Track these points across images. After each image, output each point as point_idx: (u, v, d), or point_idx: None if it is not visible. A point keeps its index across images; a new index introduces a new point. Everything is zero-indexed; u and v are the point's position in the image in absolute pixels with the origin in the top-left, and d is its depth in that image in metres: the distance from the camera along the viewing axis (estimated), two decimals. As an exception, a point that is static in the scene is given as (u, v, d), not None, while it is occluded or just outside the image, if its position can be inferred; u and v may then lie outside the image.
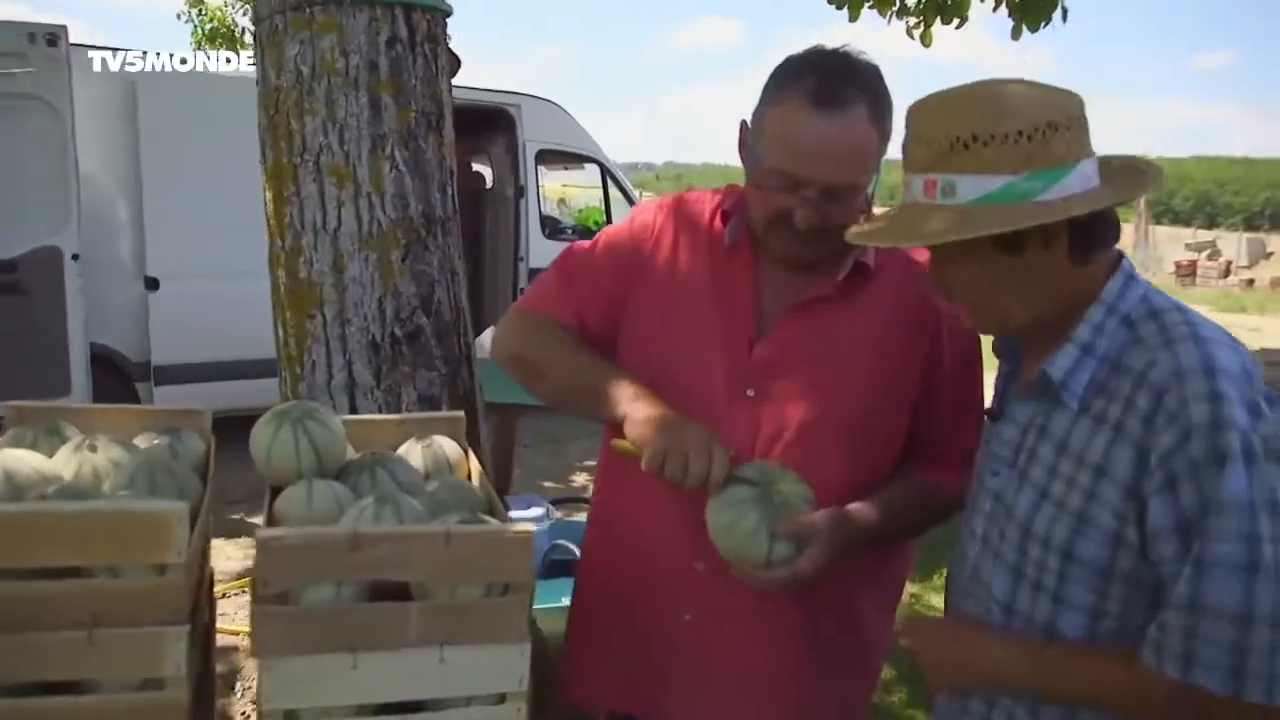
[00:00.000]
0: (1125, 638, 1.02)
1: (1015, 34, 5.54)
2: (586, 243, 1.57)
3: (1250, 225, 29.92)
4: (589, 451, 6.03)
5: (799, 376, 1.36)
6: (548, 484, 5.60)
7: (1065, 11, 5.34)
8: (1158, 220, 26.61)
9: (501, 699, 1.26)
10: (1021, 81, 1.03)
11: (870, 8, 5.61)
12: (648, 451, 1.29)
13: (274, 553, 1.13)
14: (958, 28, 5.50)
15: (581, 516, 4.25)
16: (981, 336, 1.45)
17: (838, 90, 1.25)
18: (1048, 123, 0.99)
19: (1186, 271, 22.84)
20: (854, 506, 1.32)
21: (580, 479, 5.88)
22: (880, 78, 1.30)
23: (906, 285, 1.39)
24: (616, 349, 1.49)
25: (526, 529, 1.24)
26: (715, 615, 1.41)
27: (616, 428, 1.39)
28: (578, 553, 2.96)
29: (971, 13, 5.63)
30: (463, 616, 1.22)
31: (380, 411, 2.31)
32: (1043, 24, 5.46)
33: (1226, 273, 23.52)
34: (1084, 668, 1.04)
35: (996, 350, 1.24)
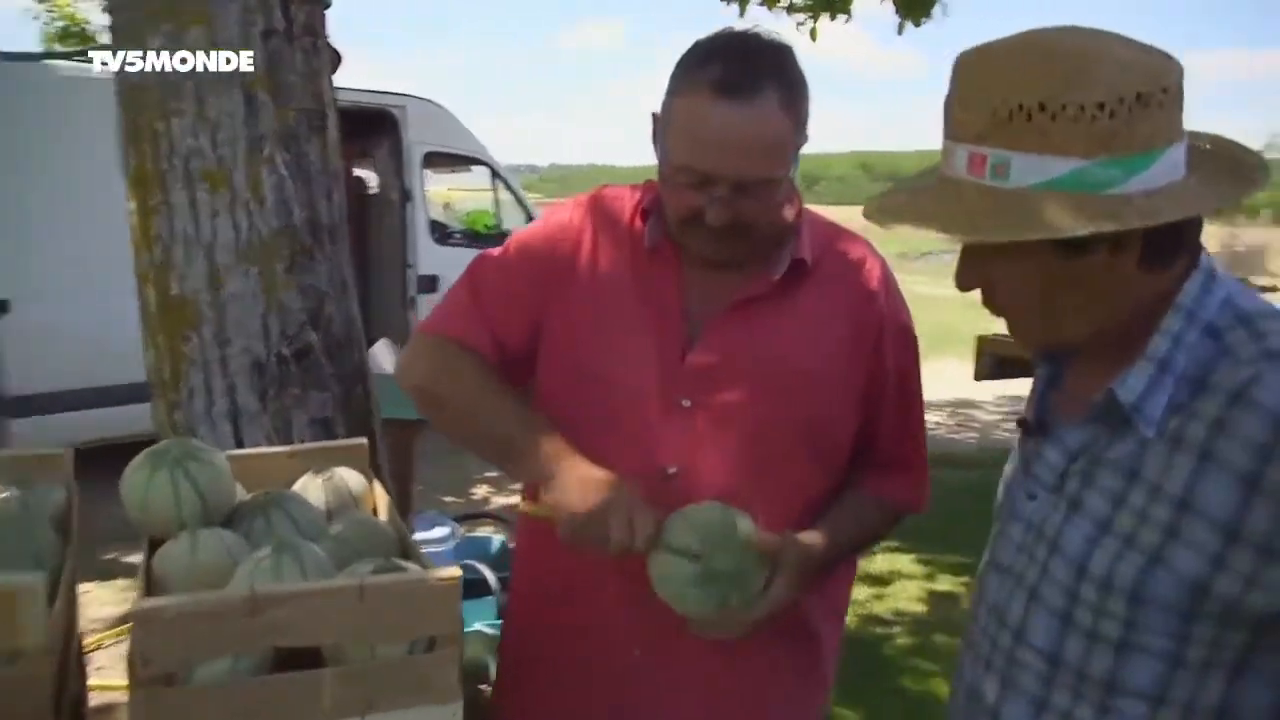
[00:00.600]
0: (1201, 691, 0.87)
1: (900, 29, 5.64)
2: (497, 251, 1.43)
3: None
4: (488, 464, 5.85)
5: (741, 382, 1.26)
6: (448, 498, 5.40)
7: (945, 6, 5.46)
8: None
9: (432, 767, 1.11)
10: (1118, 38, 0.83)
11: (760, 4, 5.62)
12: (563, 525, 1.17)
13: (156, 627, 0.96)
14: (846, 22, 5.56)
15: (486, 531, 4.11)
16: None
17: (745, 77, 1.15)
18: (1137, 94, 0.79)
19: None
20: (811, 540, 1.23)
21: (481, 491, 5.69)
22: (793, 59, 1.20)
23: (845, 279, 1.31)
24: (537, 361, 1.36)
25: (452, 574, 1.10)
26: (668, 647, 1.30)
27: (531, 486, 1.27)
28: (487, 573, 2.81)
29: (855, 8, 5.71)
30: (384, 679, 1.07)
31: (269, 439, 2.11)
32: (924, 18, 5.57)
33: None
34: None
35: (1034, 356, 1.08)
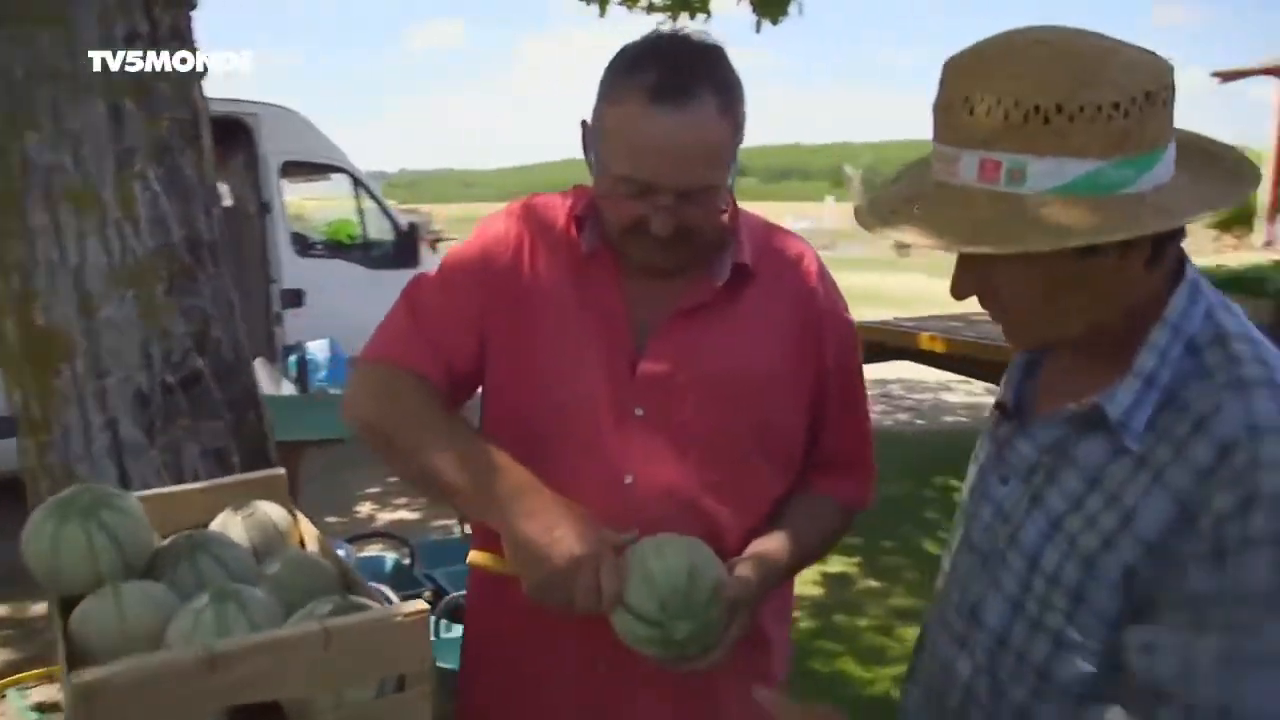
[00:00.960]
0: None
1: (757, 27, 5.75)
2: (433, 271, 1.36)
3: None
4: (370, 479, 5.64)
5: (693, 389, 1.24)
6: (331, 519, 5.17)
7: (800, 5, 5.60)
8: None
9: (407, 813, 1.05)
10: (1110, 38, 0.81)
11: (619, 3, 5.62)
12: (527, 585, 1.11)
13: (104, 701, 0.86)
14: (705, 21, 5.62)
15: (376, 550, 3.96)
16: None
17: (681, 83, 1.12)
18: (1146, 93, 0.78)
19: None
20: (769, 549, 1.22)
21: (365, 509, 5.48)
22: (726, 61, 1.18)
23: (784, 278, 1.30)
24: (485, 376, 1.31)
25: (419, 608, 1.03)
26: (632, 657, 1.27)
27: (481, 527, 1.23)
28: (387, 590, 2.71)
29: (713, 6, 5.78)
30: (355, 727, 1.00)
31: (159, 475, 1.96)
32: (781, 16, 5.70)
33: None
34: None
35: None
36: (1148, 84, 0.78)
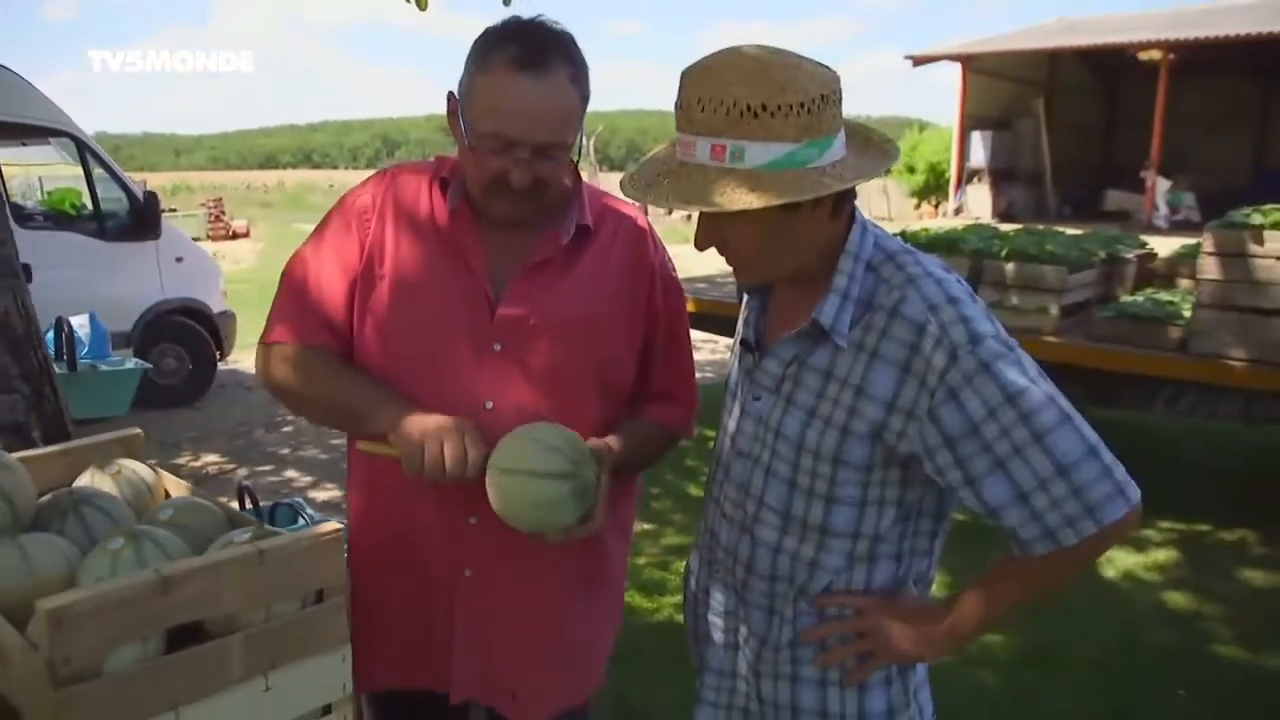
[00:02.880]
0: (882, 524, 1.25)
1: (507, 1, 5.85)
2: (308, 247, 1.49)
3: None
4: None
5: (544, 331, 1.44)
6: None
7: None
8: (601, 167, 29.81)
9: (328, 710, 1.19)
10: (797, 55, 1.14)
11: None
12: (404, 457, 1.32)
13: (71, 624, 0.94)
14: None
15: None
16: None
17: (540, 55, 1.33)
18: (821, 96, 1.09)
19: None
20: (612, 441, 1.44)
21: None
22: (574, 43, 1.39)
23: (622, 240, 1.52)
24: (358, 322, 1.45)
25: (335, 528, 1.17)
26: (495, 563, 1.46)
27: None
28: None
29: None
30: (284, 637, 1.13)
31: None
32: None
33: (671, 211, 27.18)
34: (995, 592, 1.26)
35: (745, 288, 1.40)
36: (823, 89, 1.10)
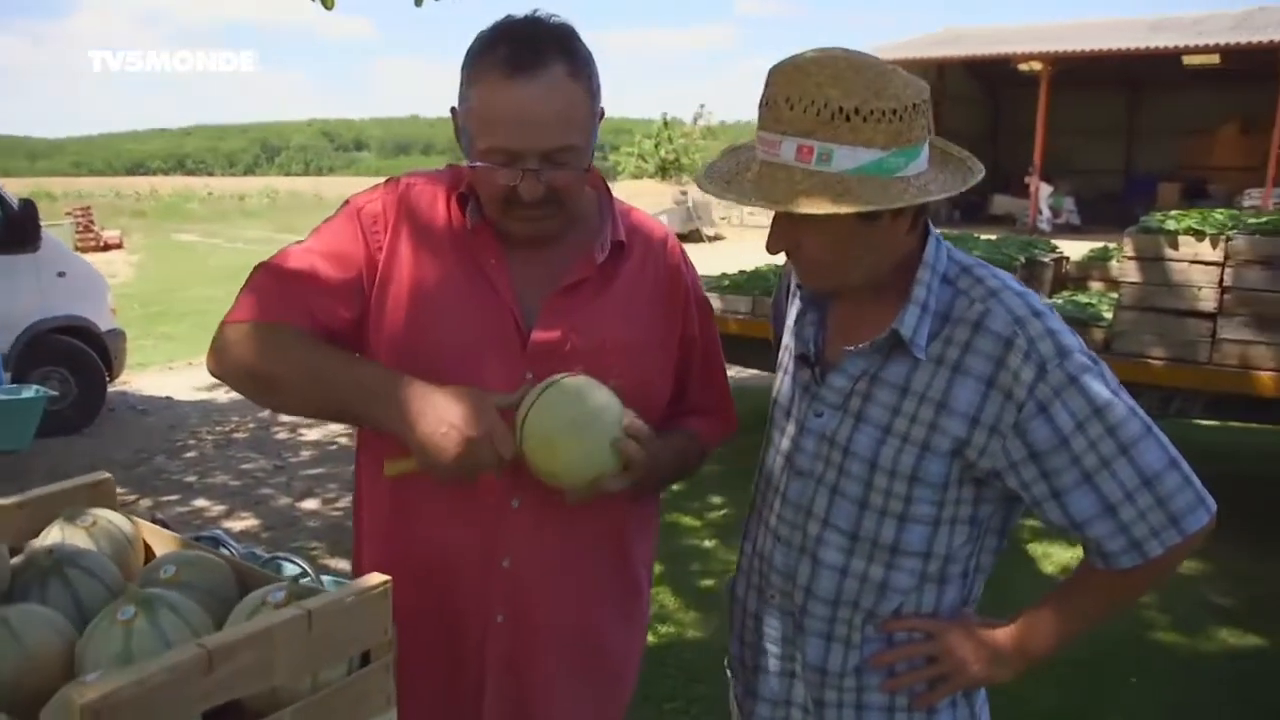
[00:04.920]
0: (954, 542, 1.20)
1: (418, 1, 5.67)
2: (298, 245, 1.34)
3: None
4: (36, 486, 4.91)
5: (578, 356, 1.33)
6: None
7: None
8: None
9: (374, 784, 1.06)
10: (888, 63, 1.08)
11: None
12: (436, 473, 1.19)
13: (110, 716, 0.79)
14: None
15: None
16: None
17: (530, 55, 1.21)
18: (913, 104, 1.05)
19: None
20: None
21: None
22: (574, 35, 1.28)
23: (654, 257, 1.43)
24: (369, 351, 1.32)
25: (382, 580, 1.04)
26: (529, 606, 1.36)
27: (383, 436, 1.26)
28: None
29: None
30: (333, 707, 0.99)
31: None
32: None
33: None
34: (1073, 607, 1.22)
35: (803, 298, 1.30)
36: (915, 98, 1.07)
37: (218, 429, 6.28)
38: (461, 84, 1.25)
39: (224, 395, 7.20)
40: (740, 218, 23.75)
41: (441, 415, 1.18)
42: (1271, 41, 15.43)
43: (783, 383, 1.34)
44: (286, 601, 1.00)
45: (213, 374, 1.31)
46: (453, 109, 1.30)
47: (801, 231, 1.14)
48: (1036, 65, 16.57)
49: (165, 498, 4.91)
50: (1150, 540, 1.12)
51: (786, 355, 1.34)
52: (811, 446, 1.25)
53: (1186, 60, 16.15)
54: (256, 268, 1.32)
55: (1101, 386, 1.11)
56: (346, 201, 1.37)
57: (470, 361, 1.30)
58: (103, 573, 1.13)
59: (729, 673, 1.44)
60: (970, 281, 1.17)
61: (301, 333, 1.27)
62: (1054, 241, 6.25)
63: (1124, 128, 19.74)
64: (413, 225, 1.33)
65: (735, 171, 1.15)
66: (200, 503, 4.87)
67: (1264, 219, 4.14)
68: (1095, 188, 17.71)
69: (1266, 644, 3.45)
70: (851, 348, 1.21)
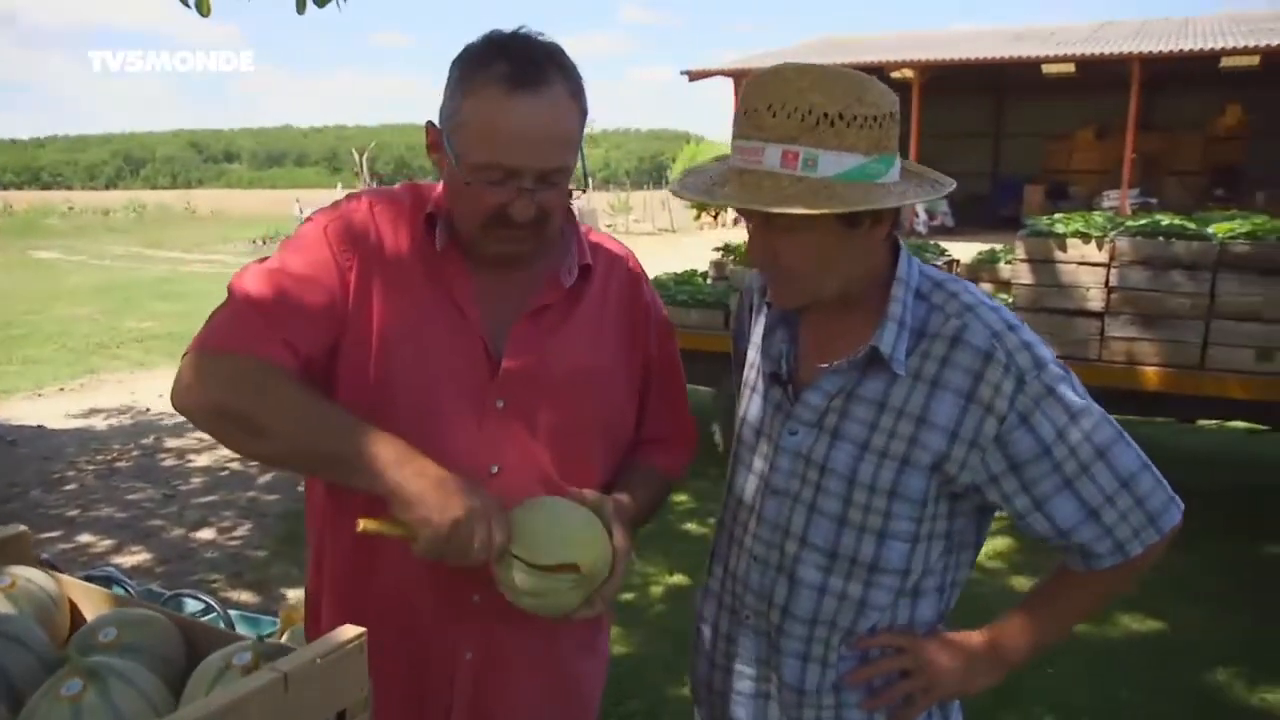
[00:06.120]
0: (931, 558, 1.20)
1: (300, 7, 5.48)
2: (270, 264, 1.23)
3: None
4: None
5: (548, 383, 1.28)
6: None
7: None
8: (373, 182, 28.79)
9: None
10: (858, 71, 1.08)
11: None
12: (424, 541, 1.11)
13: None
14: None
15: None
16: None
17: (535, 70, 1.17)
18: (889, 113, 1.06)
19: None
20: (627, 500, 1.31)
21: None
22: (566, 55, 1.24)
23: (614, 278, 1.39)
24: (338, 375, 1.24)
25: (357, 633, 0.97)
26: (498, 643, 1.31)
27: (366, 497, 1.15)
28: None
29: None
30: (311, 774, 0.91)
31: None
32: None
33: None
34: (1052, 610, 1.24)
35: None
36: (890, 107, 1.08)
37: (98, 458, 5.89)
38: (448, 98, 1.19)
39: (102, 422, 6.79)
40: (626, 226, 23.85)
41: (442, 478, 1.11)
42: (1123, 53, 16.44)
43: (751, 402, 1.32)
44: (255, 663, 0.93)
45: (178, 408, 1.18)
46: (430, 124, 1.23)
47: (781, 241, 1.13)
48: (909, 73, 17.21)
49: (45, 534, 4.57)
50: (1132, 541, 1.16)
51: (754, 373, 1.32)
52: (787, 465, 1.23)
53: (1045, 69, 17.07)
54: (231, 289, 1.22)
55: (1075, 395, 1.13)
56: (309, 218, 1.29)
57: (442, 391, 1.24)
58: (31, 640, 1.02)
59: (694, 699, 1.41)
60: (944, 296, 1.18)
61: (289, 375, 1.16)
62: (935, 243, 6.48)
63: (992, 132, 20.72)
64: (379, 245, 1.26)
65: (712, 184, 1.13)
66: (85, 538, 4.56)
67: (1143, 221, 4.37)
68: (964, 190, 18.47)
69: (1165, 626, 3.64)
70: (827, 365, 1.20)
